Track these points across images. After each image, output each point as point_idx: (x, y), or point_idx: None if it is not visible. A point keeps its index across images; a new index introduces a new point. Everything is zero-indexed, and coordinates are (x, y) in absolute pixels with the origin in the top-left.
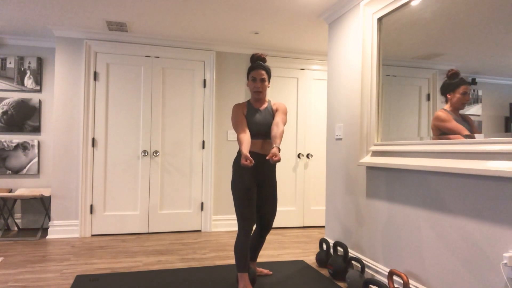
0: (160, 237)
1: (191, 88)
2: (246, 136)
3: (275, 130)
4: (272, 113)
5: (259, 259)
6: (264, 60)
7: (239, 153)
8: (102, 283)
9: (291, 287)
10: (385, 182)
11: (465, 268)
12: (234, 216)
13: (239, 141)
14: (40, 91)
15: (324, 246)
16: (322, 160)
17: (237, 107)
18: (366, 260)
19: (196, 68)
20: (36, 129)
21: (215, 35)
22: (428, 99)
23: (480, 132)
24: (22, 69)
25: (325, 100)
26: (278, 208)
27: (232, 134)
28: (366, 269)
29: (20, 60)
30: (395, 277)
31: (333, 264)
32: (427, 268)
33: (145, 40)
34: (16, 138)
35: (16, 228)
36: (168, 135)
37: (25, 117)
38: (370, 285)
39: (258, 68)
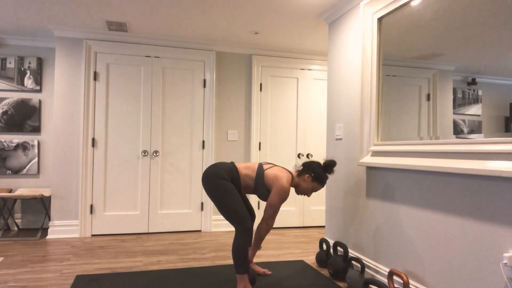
0: (160, 237)
1: (191, 88)
2: None
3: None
4: None
5: (259, 259)
6: None
7: (227, 170)
8: (102, 283)
9: (291, 287)
10: (385, 182)
11: (465, 268)
12: None
13: (265, 231)
14: (40, 91)
15: (324, 246)
16: (322, 160)
17: (289, 189)
18: (366, 260)
19: (196, 68)
20: (36, 129)
21: (215, 35)
22: (428, 99)
23: None
24: (22, 69)
25: (325, 100)
26: None
27: (232, 134)
28: (366, 269)
29: (20, 60)
30: (395, 277)
31: (333, 264)
32: (427, 268)
33: (145, 40)
34: (16, 138)
35: (16, 228)
36: (168, 135)
37: (25, 117)
38: (370, 285)
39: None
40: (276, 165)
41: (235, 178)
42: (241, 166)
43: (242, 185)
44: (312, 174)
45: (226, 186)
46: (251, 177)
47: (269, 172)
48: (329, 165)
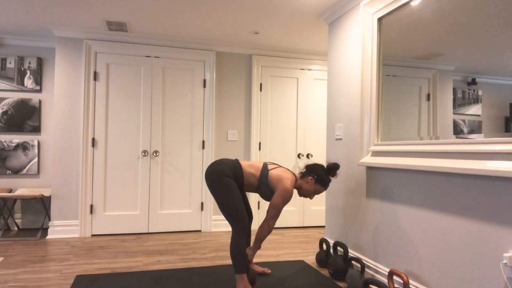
0: (160, 237)
1: (191, 88)
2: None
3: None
4: None
5: (259, 259)
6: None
7: (231, 167)
8: (102, 283)
9: (291, 287)
10: (385, 182)
11: (465, 268)
12: None
13: (267, 232)
14: (40, 91)
15: (324, 246)
16: (322, 160)
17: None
18: (366, 260)
19: (196, 68)
20: (36, 129)
21: (215, 35)
22: (428, 99)
23: None
24: (22, 69)
25: (325, 100)
26: None
27: (232, 134)
28: (366, 269)
29: (20, 60)
30: (395, 277)
31: (333, 264)
32: (427, 268)
33: (145, 40)
34: (16, 138)
35: (16, 228)
36: (168, 135)
37: (25, 117)
38: (370, 285)
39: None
40: (280, 166)
41: (239, 175)
42: (245, 164)
43: (245, 183)
44: (315, 177)
45: (228, 183)
46: (255, 176)
47: (274, 172)
48: (333, 168)
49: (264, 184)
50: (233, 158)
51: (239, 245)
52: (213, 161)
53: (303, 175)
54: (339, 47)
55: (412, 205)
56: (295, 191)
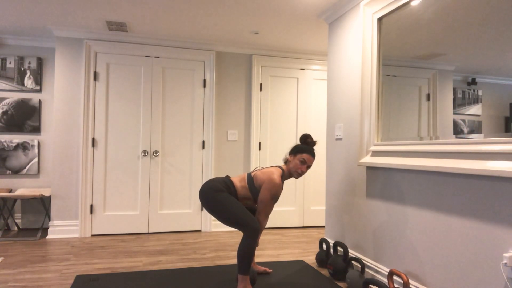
0: (160, 237)
1: (191, 88)
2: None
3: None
4: None
5: (259, 259)
6: (314, 145)
7: (222, 183)
8: (102, 283)
9: (291, 287)
10: (385, 182)
11: (465, 268)
12: None
13: (258, 231)
14: (40, 91)
15: (324, 246)
16: (322, 160)
17: (282, 184)
18: (366, 260)
19: (196, 68)
20: (36, 129)
21: (215, 35)
22: (428, 99)
23: None
24: (22, 69)
25: (325, 100)
26: (278, 208)
27: (232, 134)
28: (366, 269)
29: (20, 60)
30: (395, 277)
31: (333, 264)
32: (427, 268)
33: (145, 40)
34: (16, 138)
35: (16, 228)
36: (168, 135)
37: (25, 117)
38: (370, 285)
39: (314, 155)
40: (264, 167)
41: (232, 191)
42: (236, 179)
43: (240, 198)
44: (298, 153)
45: (222, 196)
46: (246, 187)
47: (257, 173)
48: (305, 139)
49: (255, 188)
50: (233, 158)
51: (249, 248)
52: (212, 162)
53: (287, 160)
54: (339, 47)
55: (412, 205)
56: (292, 179)
